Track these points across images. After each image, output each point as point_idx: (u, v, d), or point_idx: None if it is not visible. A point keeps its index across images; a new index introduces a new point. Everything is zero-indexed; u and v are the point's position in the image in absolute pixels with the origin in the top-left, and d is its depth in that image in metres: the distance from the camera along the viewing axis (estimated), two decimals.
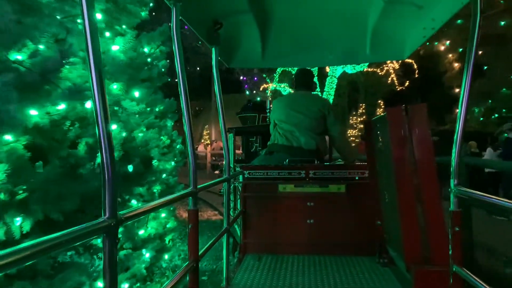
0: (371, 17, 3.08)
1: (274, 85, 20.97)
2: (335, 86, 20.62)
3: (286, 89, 20.86)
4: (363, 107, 21.70)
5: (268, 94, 21.17)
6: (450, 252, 1.88)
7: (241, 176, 3.62)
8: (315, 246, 3.50)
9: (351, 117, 23.60)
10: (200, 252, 2.08)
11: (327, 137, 4.25)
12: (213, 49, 2.90)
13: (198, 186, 2.10)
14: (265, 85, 21.30)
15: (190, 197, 2.03)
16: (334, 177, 3.53)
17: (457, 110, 1.87)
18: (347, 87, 24.63)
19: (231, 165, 4.23)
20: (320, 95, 20.15)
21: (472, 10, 1.82)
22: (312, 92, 4.20)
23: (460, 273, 1.79)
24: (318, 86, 5.34)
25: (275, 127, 4.01)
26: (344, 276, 2.99)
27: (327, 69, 21.05)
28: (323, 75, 20.91)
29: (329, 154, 5.12)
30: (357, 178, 3.51)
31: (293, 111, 3.87)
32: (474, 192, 1.73)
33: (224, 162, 2.90)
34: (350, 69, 20.60)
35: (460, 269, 1.80)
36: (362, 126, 20.13)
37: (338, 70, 20.45)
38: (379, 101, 23.37)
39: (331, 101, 20.24)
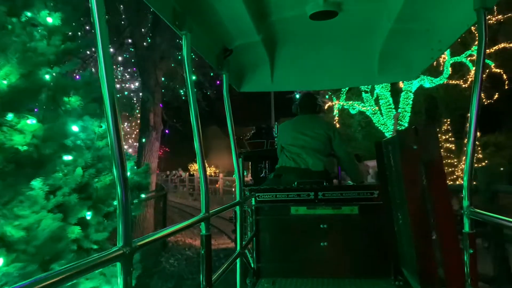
0: (379, 39, 3.10)
1: (342, 103, 19.30)
2: (411, 102, 18.61)
3: (356, 107, 19.15)
4: (448, 123, 19.33)
5: (334, 113, 19.56)
6: (465, 274, 1.89)
7: (253, 199, 3.63)
8: (330, 269, 3.52)
9: None
10: (213, 278, 2.10)
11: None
12: (224, 76, 3.02)
13: (211, 211, 2.14)
14: (330, 103, 19.71)
15: (203, 223, 2.06)
16: (343, 198, 3.58)
17: None
18: (424, 103, 22.26)
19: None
20: (395, 111, 18.24)
21: (478, 30, 1.93)
22: (317, 115, 4.34)
23: None
24: (321, 108, 4.81)
25: (282, 150, 4.16)
26: None
27: (401, 84, 19.17)
28: (396, 91, 19.00)
29: (339, 176, 5.34)
30: (367, 198, 3.53)
31: (299, 134, 4.05)
32: (487, 213, 1.80)
33: (236, 186, 2.99)
34: (428, 82, 18.51)
35: None
36: (448, 145, 17.71)
37: (414, 84, 18.54)
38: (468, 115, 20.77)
39: (407, 119, 18.32)
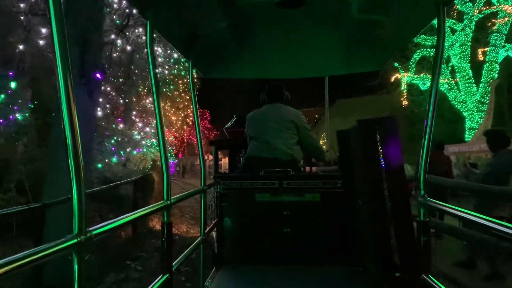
0: (345, 29, 3.15)
1: (410, 75, 16.66)
2: (496, 76, 15.69)
3: (427, 81, 16.48)
4: None
5: (402, 88, 16.97)
6: (419, 261, 2.03)
7: (219, 186, 3.75)
8: (292, 254, 3.62)
9: None
10: (174, 265, 2.20)
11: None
12: (190, 61, 3.18)
13: (172, 199, 2.17)
14: (398, 75, 17.12)
15: (164, 211, 2.10)
16: (307, 187, 3.70)
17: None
18: (506, 80, 18.97)
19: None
20: (475, 87, 15.45)
21: (437, 25, 2.07)
22: (284, 104, 4.35)
23: (428, 281, 1.92)
24: (289, 97, 4.45)
25: (251, 140, 4.27)
26: (319, 284, 3.20)
27: (480, 55, 16.24)
28: (477, 62, 16.11)
29: (309, 165, 5.49)
30: (330, 187, 3.66)
31: (266, 123, 4.14)
32: (440, 203, 1.92)
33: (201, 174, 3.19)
34: None
35: (427, 278, 1.93)
36: None
37: (501, 54, 15.53)
38: None
39: (488, 97, 15.50)
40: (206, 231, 3.07)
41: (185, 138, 30.82)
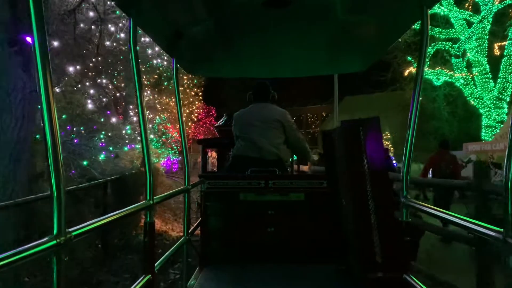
0: (331, 30, 3.16)
1: (426, 68, 16.04)
2: None
3: (441, 77, 15.82)
4: None
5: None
6: (401, 260, 2.15)
7: (203, 186, 3.75)
8: (276, 254, 3.65)
9: None
10: (157, 265, 2.25)
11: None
12: (173, 59, 3.21)
13: (155, 198, 2.18)
14: (412, 69, 16.53)
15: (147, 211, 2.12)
16: (293, 186, 3.72)
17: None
18: None
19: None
20: (492, 82, 14.78)
21: (420, 27, 2.19)
22: (270, 104, 4.36)
23: (409, 281, 2.03)
24: (276, 96, 4.48)
25: (238, 139, 4.28)
26: (303, 283, 3.25)
27: (496, 50, 15.58)
28: (494, 56, 15.44)
29: (297, 165, 5.63)
30: (316, 187, 3.70)
31: (253, 123, 4.13)
32: (421, 204, 2.05)
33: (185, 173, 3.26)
34: None
35: (408, 277, 2.04)
36: None
37: None
38: None
39: (509, 93, 14.85)
40: (189, 230, 3.12)
41: (191, 135, 30.45)
